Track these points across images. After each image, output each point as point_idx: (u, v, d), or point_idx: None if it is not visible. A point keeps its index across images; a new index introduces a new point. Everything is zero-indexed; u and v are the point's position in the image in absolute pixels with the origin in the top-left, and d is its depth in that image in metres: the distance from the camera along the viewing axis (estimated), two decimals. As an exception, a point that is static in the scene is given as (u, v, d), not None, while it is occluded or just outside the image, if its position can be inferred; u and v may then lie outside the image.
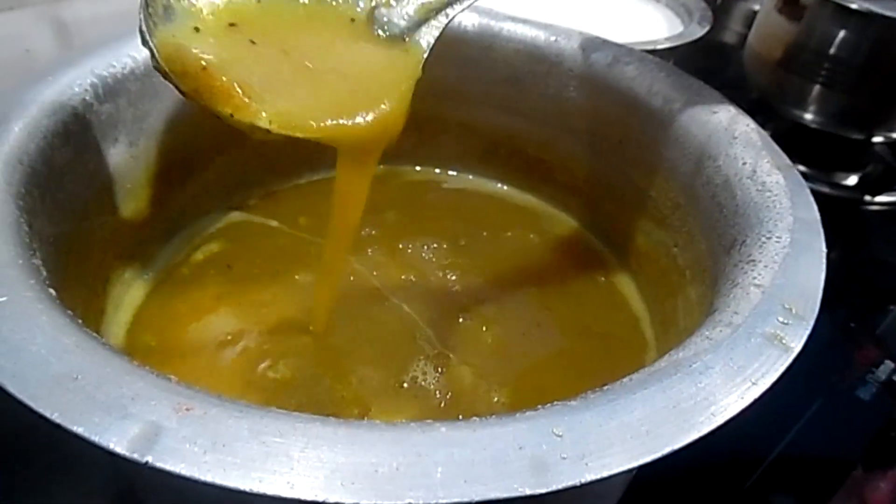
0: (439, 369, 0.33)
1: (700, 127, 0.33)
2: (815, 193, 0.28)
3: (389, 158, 0.46)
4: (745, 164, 0.30)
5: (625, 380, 0.20)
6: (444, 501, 0.16)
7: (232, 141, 0.41)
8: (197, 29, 0.26)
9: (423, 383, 0.32)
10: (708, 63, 0.62)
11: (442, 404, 0.31)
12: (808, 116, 0.62)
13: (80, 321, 0.21)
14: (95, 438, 0.17)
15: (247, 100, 0.25)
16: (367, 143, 0.27)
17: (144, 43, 0.25)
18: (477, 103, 0.43)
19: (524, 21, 0.40)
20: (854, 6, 0.55)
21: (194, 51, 0.25)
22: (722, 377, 0.20)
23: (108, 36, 0.35)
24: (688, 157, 0.33)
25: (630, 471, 0.18)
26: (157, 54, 0.25)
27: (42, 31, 0.49)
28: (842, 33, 0.56)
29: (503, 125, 0.43)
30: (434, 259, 0.39)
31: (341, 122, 0.26)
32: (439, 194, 0.46)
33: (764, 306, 0.22)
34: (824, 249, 0.25)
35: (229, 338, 0.33)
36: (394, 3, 0.30)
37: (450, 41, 0.41)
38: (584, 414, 0.18)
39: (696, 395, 0.19)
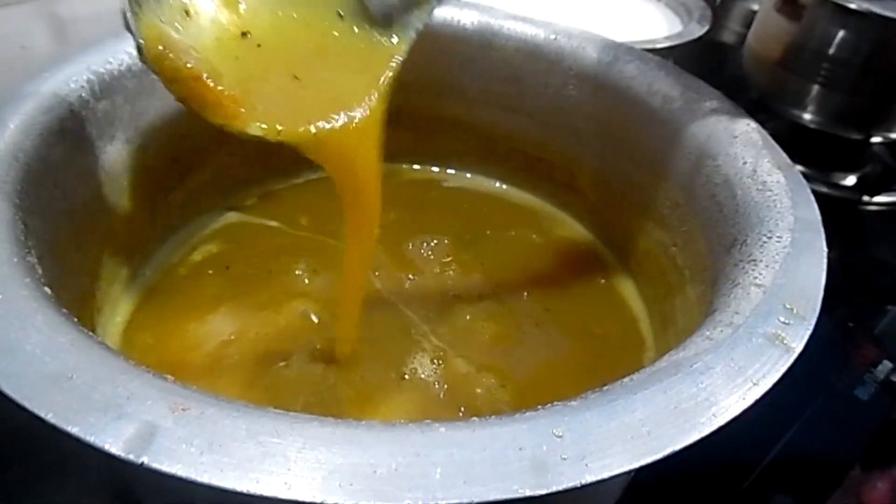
0: (438, 364, 0.33)
1: (700, 126, 0.33)
2: (813, 193, 0.28)
3: (388, 157, 0.46)
4: (745, 163, 0.30)
5: (625, 380, 0.20)
6: (444, 502, 0.16)
7: (230, 140, 0.40)
8: (187, 13, 0.25)
9: (422, 379, 0.32)
10: (707, 62, 0.62)
11: (441, 396, 0.31)
12: (807, 116, 0.62)
13: (75, 320, 0.21)
14: (91, 439, 0.16)
15: (240, 110, 0.25)
16: (344, 150, 0.27)
17: (128, 29, 0.24)
18: (476, 102, 0.43)
19: (524, 19, 0.40)
20: (853, 6, 0.55)
21: (185, 56, 0.24)
22: (723, 377, 0.20)
23: (105, 33, 0.35)
24: (687, 155, 0.33)
25: (630, 471, 0.17)
26: (143, 48, 0.24)
27: (39, 28, 0.48)
28: (841, 33, 0.56)
29: (502, 124, 0.43)
30: (433, 257, 0.39)
31: (314, 128, 0.26)
32: (438, 193, 0.46)
33: (765, 306, 0.22)
34: (825, 249, 0.25)
35: (229, 338, 0.33)
36: None
37: (449, 39, 0.41)
38: (584, 414, 0.18)
39: (697, 396, 0.19)
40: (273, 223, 0.41)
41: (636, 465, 0.17)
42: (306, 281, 0.37)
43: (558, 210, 0.44)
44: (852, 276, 0.54)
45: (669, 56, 0.54)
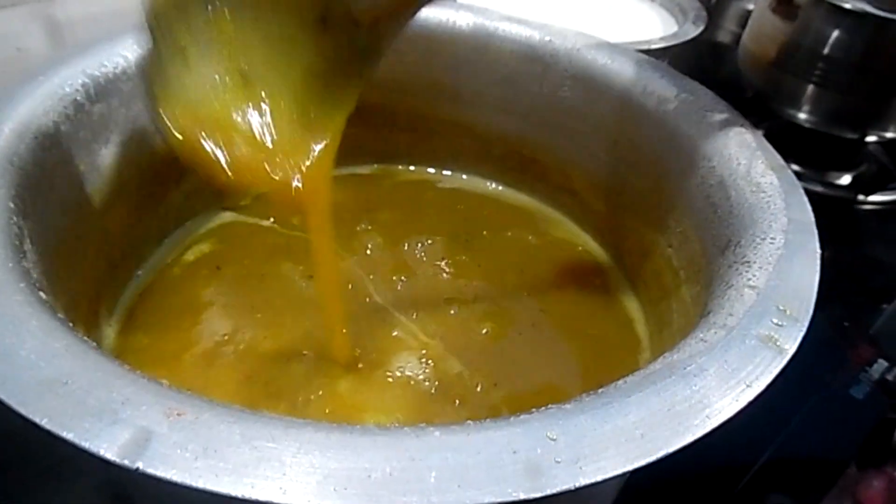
0: (431, 365, 0.33)
1: (694, 127, 0.33)
2: (808, 193, 0.28)
3: (384, 158, 0.46)
4: (739, 164, 0.30)
5: (619, 383, 0.20)
6: (438, 506, 0.16)
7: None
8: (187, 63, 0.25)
9: (415, 379, 0.32)
10: (702, 62, 0.62)
11: (434, 395, 0.31)
12: (802, 116, 0.62)
13: (70, 324, 0.21)
14: (85, 444, 0.16)
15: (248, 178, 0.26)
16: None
17: (160, 126, 0.24)
18: (472, 103, 0.43)
19: (519, 21, 0.40)
20: (848, 6, 0.55)
21: (210, 137, 0.25)
22: (716, 379, 0.20)
23: (101, 35, 0.35)
24: (682, 157, 0.33)
25: (624, 474, 0.18)
26: (172, 133, 0.24)
27: (34, 30, 0.48)
28: (836, 33, 0.56)
29: (498, 125, 0.43)
30: (428, 258, 0.39)
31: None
32: (434, 194, 0.46)
33: (758, 308, 0.22)
34: (818, 250, 0.25)
35: (222, 338, 0.33)
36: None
37: (445, 41, 0.41)
38: (578, 417, 0.18)
39: (691, 398, 0.19)
40: (267, 223, 0.41)
41: (630, 467, 0.17)
42: (298, 280, 0.37)
43: (554, 211, 0.44)
44: (848, 276, 0.54)
45: (665, 56, 0.54)
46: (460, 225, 0.42)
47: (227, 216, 0.42)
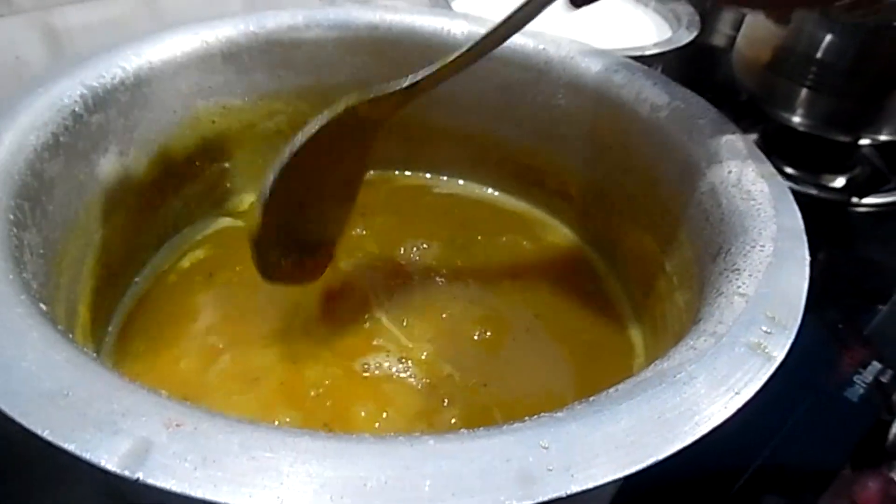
0: (425, 368, 0.33)
1: (686, 134, 0.33)
2: (803, 195, 0.29)
3: (381, 164, 0.47)
4: (730, 172, 0.30)
5: (610, 391, 0.20)
6: (432, 514, 0.16)
7: (223, 150, 0.41)
8: None
9: (410, 383, 0.32)
10: (697, 66, 0.63)
11: (430, 399, 0.32)
12: (797, 119, 0.62)
13: (70, 335, 0.21)
14: (86, 455, 0.17)
15: None
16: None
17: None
18: (467, 110, 0.43)
19: (513, 29, 0.41)
20: (841, 10, 0.55)
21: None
22: (706, 387, 0.20)
23: (99, 43, 0.35)
24: (674, 164, 0.33)
25: (617, 480, 0.18)
26: None
27: (33, 39, 0.48)
28: (829, 37, 0.57)
29: (494, 132, 0.44)
30: (424, 262, 0.40)
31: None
32: (430, 199, 0.46)
33: (747, 315, 0.23)
34: (807, 257, 0.25)
35: (216, 345, 0.34)
36: None
37: (440, 49, 0.41)
38: (569, 425, 0.18)
39: (680, 406, 0.19)
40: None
41: (620, 474, 0.18)
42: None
43: (549, 216, 0.44)
44: (842, 278, 0.55)
45: (659, 62, 0.54)
46: (456, 230, 0.42)
47: (226, 222, 0.42)
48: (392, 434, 0.18)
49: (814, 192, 0.61)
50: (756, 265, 0.25)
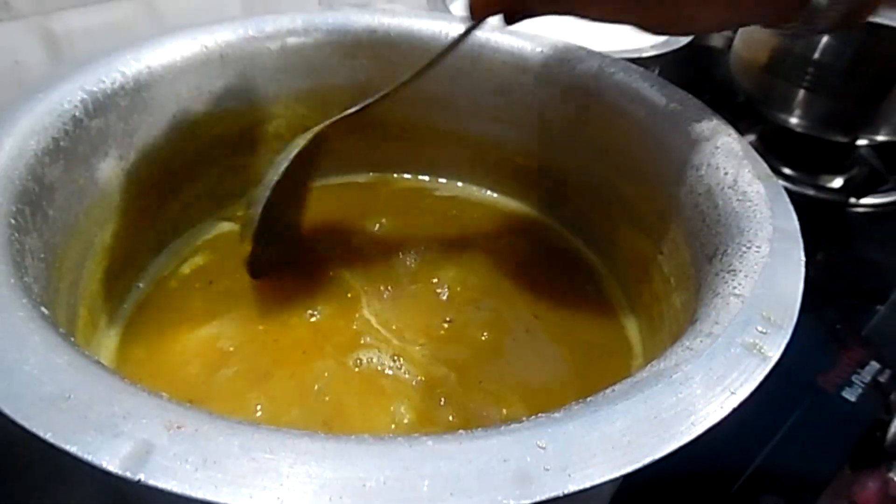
0: (426, 369, 0.33)
1: (683, 136, 0.33)
2: (800, 196, 0.29)
3: (380, 166, 0.47)
4: (726, 174, 0.30)
5: (607, 391, 0.20)
6: (430, 514, 0.16)
7: (222, 154, 0.41)
8: None
9: (411, 384, 0.33)
10: (694, 68, 0.63)
11: (431, 400, 0.32)
12: (794, 120, 0.62)
13: (72, 339, 0.21)
14: (88, 457, 0.17)
15: None
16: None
17: None
18: (466, 113, 0.43)
19: (510, 32, 0.41)
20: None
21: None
22: (702, 387, 0.20)
23: (99, 48, 0.35)
24: (671, 166, 0.33)
25: (614, 480, 0.18)
26: None
27: (32, 43, 0.49)
28: (825, 38, 0.57)
29: (492, 134, 0.44)
30: (423, 266, 0.40)
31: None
32: (429, 201, 0.46)
33: (743, 316, 0.23)
34: (803, 258, 0.26)
35: (217, 350, 0.34)
36: None
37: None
38: (567, 425, 0.19)
39: (677, 406, 0.20)
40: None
41: (617, 474, 0.18)
42: (293, 289, 0.37)
43: (547, 218, 0.44)
44: (840, 278, 0.55)
45: (656, 64, 0.55)
46: (456, 232, 0.42)
47: (226, 226, 0.43)
48: (391, 435, 0.19)
49: (811, 192, 0.61)
50: (752, 266, 0.25)
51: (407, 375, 0.33)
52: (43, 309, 0.22)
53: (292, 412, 0.31)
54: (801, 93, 0.60)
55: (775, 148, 0.62)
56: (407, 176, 0.47)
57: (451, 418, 0.31)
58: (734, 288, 0.24)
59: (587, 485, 0.17)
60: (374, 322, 0.36)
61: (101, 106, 0.33)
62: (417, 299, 0.38)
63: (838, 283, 0.54)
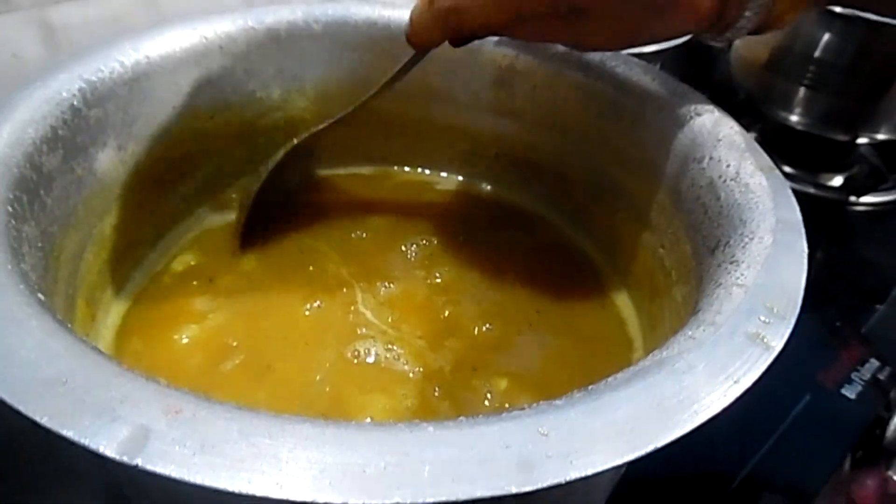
0: (428, 362, 0.33)
1: (685, 129, 0.33)
2: (801, 194, 0.29)
3: (379, 160, 0.47)
4: (728, 166, 0.30)
5: (609, 379, 0.20)
6: (432, 500, 0.16)
7: (222, 146, 0.41)
8: None
9: (411, 376, 0.32)
10: (695, 65, 0.63)
11: (433, 394, 0.32)
12: (794, 118, 0.62)
13: (69, 325, 0.21)
14: (85, 442, 0.17)
15: None
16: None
17: None
18: (465, 105, 0.43)
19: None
20: (838, 10, 0.55)
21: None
22: (705, 375, 0.20)
23: (96, 40, 0.35)
24: (673, 159, 0.33)
25: (617, 469, 0.18)
26: None
27: (30, 36, 0.48)
28: (826, 36, 0.57)
29: (492, 127, 0.44)
30: (425, 259, 0.40)
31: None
32: (430, 196, 0.46)
33: (746, 306, 0.23)
34: (806, 249, 0.25)
35: (216, 342, 0.34)
36: None
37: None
38: (569, 412, 0.18)
39: (680, 394, 0.19)
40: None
41: (620, 461, 0.18)
42: (292, 283, 0.37)
43: (548, 212, 0.44)
44: (840, 276, 0.55)
45: (657, 60, 0.55)
46: (456, 226, 0.42)
47: (226, 217, 0.42)
48: (391, 421, 0.18)
49: (812, 190, 0.62)
50: (755, 257, 0.25)
51: (406, 367, 0.33)
52: (40, 295, 0.22)
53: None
54: (802, 91, 0.61)
55: (775, 146, 0.62)
56: (407, 169, 0.47)
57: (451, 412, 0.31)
58: (737, 278, 0.24)
59: (590, 472, 0.17)
60: (371, 315, 0.36)
61: (99, 95, 0.33)
62: (417, 293, 0.37)
63: (838, 282, 0.54)
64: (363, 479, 0.16)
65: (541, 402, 0.19)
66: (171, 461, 0.16)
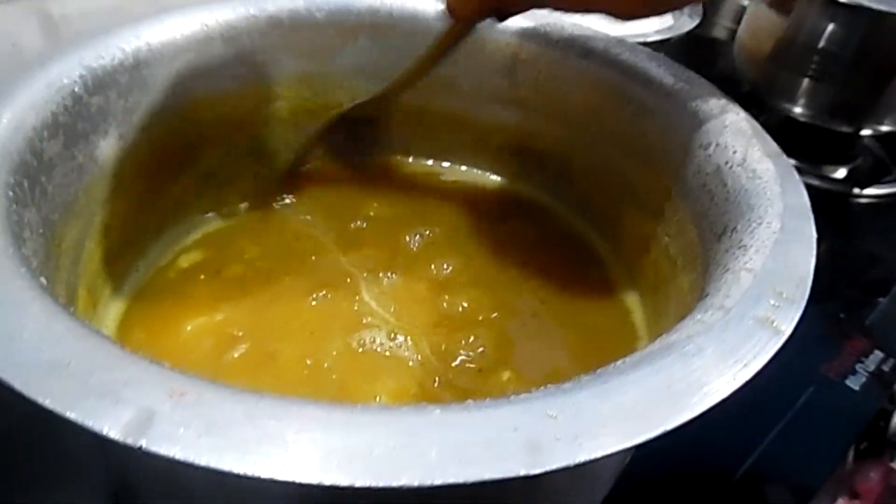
0: (434, 352, 0.33)
1: (691, 116, 0.33)
2: (804, 186, 0.29)
3: (383, 150, 0.47)
4: (735, 152, 0.30)
5: (618, 363, 0.20)
6: (440, 482, 0.16)
7: (224, 135, 0.41)
8: None
9: (415, 366, 0.32)
10: (698, 57, 0.63)
11: (437, 384, 0.32)
12: (798, 110, 0.62)
13: (71, 309, 0.21)
14: (89, 423, 0.16)
15: None
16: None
17: None
18: (469, 95, 0.43)
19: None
20: (843, 0, 0.55)
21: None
22: (714, 359, 0.20)
23: (96, 31, 0.35)
24: (678, 145, 0.33)
25: (624, 454, 0.18)
26: None
27: (30, 27, 0.48)
28: (831, 27, 0.57)
29: (495, 116, 0.43)
30: (428, 249, 0.39)
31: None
32: (433, 185, 0.46)
33: (755, 290, 0.22)
34: (815, 234, 0.25)
35: (220, 334, 0.33)
36: None
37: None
38: (577, 396, 0.18)
39: (689, 377, 0.19)
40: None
41: (629, 444, 0.17)
42: (296, 274, 0.37)
43: (552, 201, 0.44)
44: (843, 269, 0.55)
45: (660, 50, 0.54)
46: (460, 216, 0.42)
47: (228, 210, 0.42)
48: (398, 404, 0.18)
49: (815, 182, 0.61)
50: (763, 242, 0.25)
51: (410, 356, 0.33)
52: (42, 279, 0.22)
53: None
54: (806, 82, 0.60)
55: (779, 137, 0.62)
56: (410, 160, 0.47)
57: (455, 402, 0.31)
58: (745, 263, 0.24)
59: (599, 454, 0.17)
60: (375, 305, 0.36)
61: (100, 83, 0.32)
62: (421, 283, 0.37)
63: (842, 274, 0.54)
64: (370, 461, 0.16)
65: (548, 385, 0.19)
66: (176, 443, 0.16)
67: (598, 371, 0.20)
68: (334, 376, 0.31)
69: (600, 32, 0.39)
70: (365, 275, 0.37)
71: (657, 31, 0.56)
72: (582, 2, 0.31)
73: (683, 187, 0.33)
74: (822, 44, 0.58)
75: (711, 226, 0.29)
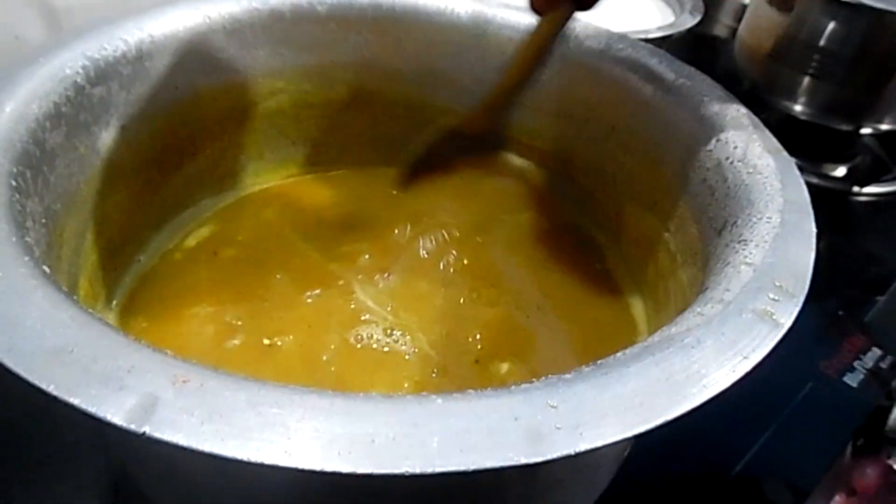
0: (439, 344, 0.33)
1: (691, 111, 0.33)
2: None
3: (384, 146, 0.46)
4: (735, 147, 0.30)
5: (618, 354, 0.20)
6: (441, 470, 0.16)
7: (225, 128, 0.41)
8: None
9: (419, 358, 0.32)
10: (698, 56, 0.63)
11: (436, 376, 0.32)
12: (798, 108, 0.62)
13: (74, 297, 0.21)
14: (92, 410, 0.16)
15: None
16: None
17: None
18: (470, 91, 0.43)
19: (517, 8, 0.40)
20: (843, -3, 0.55)
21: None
22: (714, 351, 0.20)
23: (98, 22, 0.35)
24: (679, 141, 0.33)
25: (624, 445, 0.18)
26: None
27: (31, 18, 0.48)
28: (831, 25, 0.57)
29: (496, 112, 0.43)
30: (432, 245, 0.39)
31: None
32: (431, 181, 0.46)
33: (755, 284, 0.23)
34: (814, 229, 0.25)
35: (221, 324, 0.33)
36: None
37: (443, 28, 0.41)
38: (578, 386, 0.18)
39: (689, 369, 0.19)
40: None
41: (629, 434, 0.17)
42: (299, 265, 0.37)
43: (553, 196, 0.44)
44: (842, 267, 0.55)
45: (661, 46, 0.54)
46: (461, 211, 0.42)
47: (227, 200, 0.42)
48: (399, 394, 0.18)
49: (814, 180, 0.61)
50: (763, 236, 0.25)
51: (409, 349, 0.33)
52: (45, 268, 0.22)
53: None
54: (806, 80, 0.60)
55: (779, 135, 0.62)
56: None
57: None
58: (745, 257, 0.24)
59: (599, 443, 0.17)
60: (375, 299, 0.36)
61: (102, 73, 0.32)
62: (422, 276, 0.37)
63: (841, 271, 0.54)
64: (372, 449, 0.16)
65: (549, 375, 0.19)
66: (179, 429, 0.16)
67: (599, 362, 0.20)
68: (333, 369, 0.31)
69: (602, 28, 0.39)
70: (366, 268, 0.37)
71: (658, 28, 0.56)
72: None
73: (684, 183, 0.33)
74: (822, 42, 0.58)
75: (711, 221, 0.29)
